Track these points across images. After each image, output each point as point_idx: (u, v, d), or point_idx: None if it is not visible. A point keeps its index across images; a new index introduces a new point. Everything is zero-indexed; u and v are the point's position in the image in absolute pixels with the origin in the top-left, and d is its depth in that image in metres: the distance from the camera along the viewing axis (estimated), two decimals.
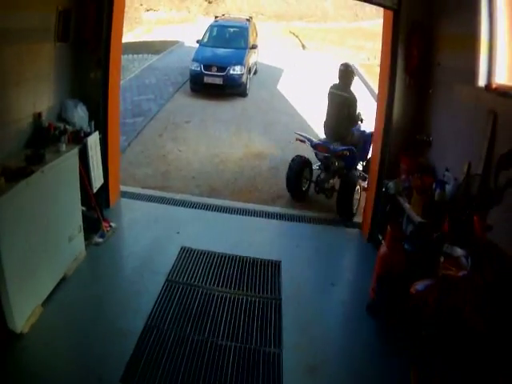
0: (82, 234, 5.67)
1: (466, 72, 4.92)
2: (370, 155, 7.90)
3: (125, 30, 7.04)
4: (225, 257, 6.09)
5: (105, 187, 6.58)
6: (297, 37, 28.58)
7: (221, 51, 16.07)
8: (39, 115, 5.31)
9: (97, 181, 6.06)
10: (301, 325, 5.00)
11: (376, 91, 8.18)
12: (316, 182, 8.40)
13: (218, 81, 15.06)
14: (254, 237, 6.76)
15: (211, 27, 17.62)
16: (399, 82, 6.14)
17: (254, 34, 18.22)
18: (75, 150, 5.37)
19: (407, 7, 5.89)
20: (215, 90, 15.18)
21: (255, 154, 10.57)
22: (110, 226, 6.35)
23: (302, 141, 8.42)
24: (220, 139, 11.44)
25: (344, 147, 7.98)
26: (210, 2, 34.38)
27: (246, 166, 9.86)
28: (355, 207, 7.78)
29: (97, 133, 6.00)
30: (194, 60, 15.40)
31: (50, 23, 5.49)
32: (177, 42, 23.99)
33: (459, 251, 3.85)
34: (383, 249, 4.98)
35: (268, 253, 6.28)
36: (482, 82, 4.72)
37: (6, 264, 4.06)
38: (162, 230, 6.61)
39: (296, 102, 15.00)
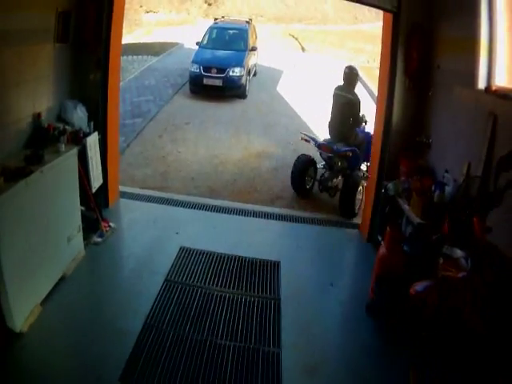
0: (81, 233, 5.67)
1: (466, 74, 4.92)
2: None
3: (124, 31, 7.05)
4: (224, 257, 6.08)
5: (104, 187, 6.58)
6: (296, 39, 28.63)
7: (220, 53, 16.09)
8: (39, 116, 5.31)
9: (96, 181, 6.06)
10: (300, 325, 5.00)
11: (375, 93, 8.22)
12: (320, 181, 8.59)
13: (218, 82, 15.08)
14: (253, 237, 6.76)
15: (211, 29, 17.64)
16: (399, 85, 6.15)
17: (254, 36, 18.24)
18: (74, 151, 5.37)
19: (407, 10, 5.89)
20: (215, 92, 15.19)
21: (254, 156, 10.58)
22: (109, 226, 6.35)
23: (306, 140, 8.61)
24: (219, 140, 11.44)
25: (347, 148, 8.08)
26: (209, 4, 34.47)
27: (245, 167, 9.86)
28: (357, 207, 7.87)
29: (96, 133, 6.00)
30: (194, 62, 15.41)
31: (49, 24, 5.49)
32: (176, 44, 24.03)
33: (459, 253, 3.85)
34: (382, 250, 4.98)
35: (267, 253, 6.28)
36: (481, 84, 4.73)
37: (5, 264, 4.05)
38: (161, 230, 6.60)
39: (295, 103, 15.02)
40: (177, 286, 5.40)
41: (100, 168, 6.18)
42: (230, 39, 17.16)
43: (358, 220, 7.57)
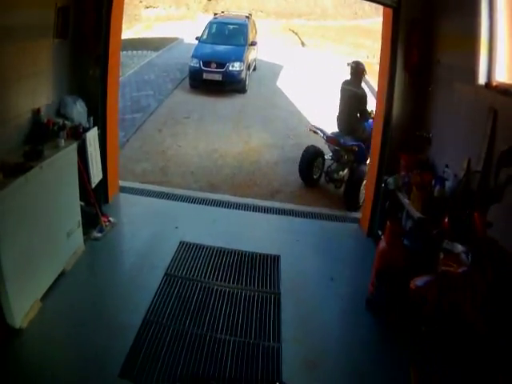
0: (80, 228, 5.66)
1: (466, 70, 4.91)
2: None
3: (124, 26, 7.03)
4: (224, 251, 6.08)
5: (104, 182, 6.56)
6: (296, 34, 28.59)
7: (220, 48, 16.08)
8: (38, 111, 5.29)
9: (95, 176, 6.04)
10: (300, 319, 5.01)
11: (375, 88, 8.23)
12: (326, 172, 8.89)
13: (217, 77, 15.08)
14: (252, 231, 6.77)
15: (210, 24, 17.62)
16: (399, 80, 6.13)
17: (254, 31, 18.22)
18: (74, 146, 5.36)
19: (407, 5, 5.87)
20: (214, 87, 15.20)
21: (254, 150, 10.59)
22: (109, 221, 6.34)
23: (315, 132, 8.88)
24: (219, 135, 11.45)
25: (353, 142, 8.33)
26: (209, 0, 34.35)
27: (244, 162, 9.87)
28: (362, 200, 7.93)
29: (95, 128, 5.98)
30: (194, 56, 15.40)
31: (48, 20, 5.46)
32: (176, 39, 24.00)
33: (459, 247, 3.85)
34: (382, 244, 4.98)
35: (267, 247, 6.28)
36: (482, 79, 4.72)
37: (4, 259, 4.05)
38: (161, 224, 6.60)
39: (295, 98, 15.03)
40: (177, 281, 5.41)
41: (100, 163, 6.16)
42: (230, 34, 17.15)
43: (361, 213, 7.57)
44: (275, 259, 6.03)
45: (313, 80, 17.15)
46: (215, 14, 19.30)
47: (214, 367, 4.23)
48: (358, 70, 8.59)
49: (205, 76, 15.06)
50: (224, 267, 5.76)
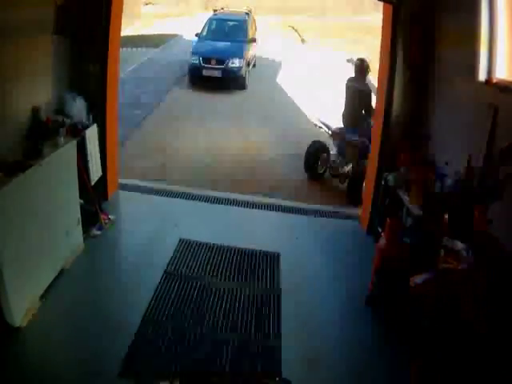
0: (80, 226, 5.65)
1: (467, 66, 4.90)
2: None
3: (124, 24, 7.01)
4: (224, 249, 6.07)
5: (103, 180, 6.55)
6: (296, 31, 28.58)
7: (220, 44, 16.08)
8: (37, 109, 5.25)
9: (95, 173, 6.04)
10: (300, 317, 5.00)
11: (375, 85, 8.23)
12: (331, 167, 9.03)
13: (217, 73, 15.10)
14: (252, 228, 6.76)
15: (210, 20, 17.63)
16: (399, 76, 6.12)
17: (253, 28, 18.23)
18: (73, 143, 5.34)
19: (407, 1, 5.85)
20: (214, 83, 15.21)
21: (254, 146, 10.59)
22: (109, 219, 6.33)
23: (320, 127, 9.13)
24: (219, 131, 11.44)
25: (357, 138, 8.43)
26: None
27: (244, 158, 9.86)
28: None
29: (95, 125, 5.98)
30: (193, 53, 15.42)
31: (48, 16, 5.45)
32: (176, 36, 24.01)
33: (459, 245, 3.84)
34: (382, 241, 4.97)
35: (267, 245, 6.26)
36: (482, 76, 4.71)
37: (3, 258, 4.03)
38: (161, 222, 6.58)
39: (295, 94, 15.01)
40: (176, 279, 5.39)
41: (99, 160, 6.16)
42: (230, 30, 17.15)
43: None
44: (275, 257, 6.02)
45: (312, 76, 17.12)
46: (215, 11, 19.29)
47: (213, 365, 4.22)
48: (362, 67, 8.73)
49: (204, 72, 15.08)
50: (224, 265, 5.75)
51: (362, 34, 24.73)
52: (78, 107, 5.87)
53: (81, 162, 5.61)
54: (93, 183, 5.98)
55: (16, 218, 4.26)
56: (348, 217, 7.43)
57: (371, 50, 19.48)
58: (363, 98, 8.52)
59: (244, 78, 15.49)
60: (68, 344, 4.37)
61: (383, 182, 6.03)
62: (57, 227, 5.11)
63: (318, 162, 9.02)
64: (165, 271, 5.50)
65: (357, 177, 8.15)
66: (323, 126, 9.03)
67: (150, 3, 32.22)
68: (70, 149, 5.25)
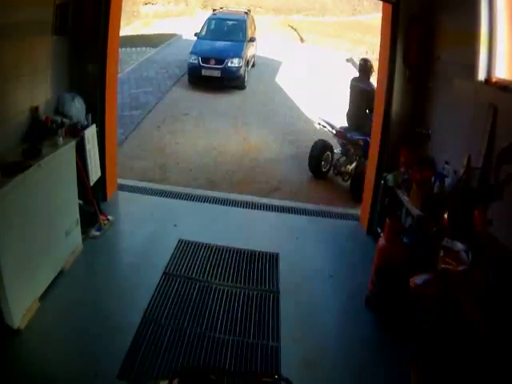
0: (79, 227, 5.64)
1: (466, 66, 4.89)
2: None
3: (123, 23, 7.02)
4: (223, 249, 6.06)
5: (102, 180, 6.54)
6: (295, 30, 28.53)
7: (219, 44, 16.05)
8: (36, 109, 5.26)
9: (94, 174, 6.02)
10: (299, 318, 4.99)
11: (375, 85, 8.24)
12: (334, 165, 9.26)
13: (216, 73, 15.07)
14: (251, 229, 6.76)
15: (209, 20, 17.60)
16: (398, 76, 6.12)
17: (253, 27, 18.22)
18: (72, 144, 5.33)
19: (406, 0, 5.85)
20: (213, 83, 15.18)
21: (253, 146, 10.58)
22: (108, 220, 6.32)
23: (323, 126, 9.24)
24: (218, 132, 11.43)
25: (360, 137, 8.59)
26: None
27: (244, 158, 9.86)
28: None
29: (94, 126, 5.96)
30: (192, 53, 15.39)
31: (47, 16, 5.44)
32: (175, 36, 23.94)
33: (459, 245, 3.83)
34: (382, 242, 4.96)
35: (266, 245, 6.25)
36: (481, 75, 4.70)
37: (2, 259, 4.02)
38: (160, 222, 6.57)
39: (294, 94, 15.00)
40: (175, 279, 5.39)
41: (98, 161, 6.14)
42: (229, 30, 17.12)
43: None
44: (274, 257, 6.01)
45: (312, 76, 17.12)
46: (214, 10, 19.25)
47: (212, 365, 4.20)
48: (366, 67, 8.89)
49: (204, 72, 15.06)
50: (223, 265, 5.75)
51: (362, 34, 24.73)
52: (76, 107, 5.88)
53: (80, 162, 5.60)
54: (92, 184, 5.96)
55: (15, 219, 4.25)
56: (348, 217, 7.43)
57: (371, 49, 19.63)
58: (367, 97, 8.55)
59: (243, 78, 15.47)
60: (67, 344, 4.36)
61: (383, 182, 6.02)
62: (56, 228, 5.10)
63: (321, 161, 9.18)
64: (164, 272, 5.49)
65: (359, 175, 8.19)
66: (327, 126, 9.11)
67: (149, 3, 32.12)
68: (69, 149, 5.24)
